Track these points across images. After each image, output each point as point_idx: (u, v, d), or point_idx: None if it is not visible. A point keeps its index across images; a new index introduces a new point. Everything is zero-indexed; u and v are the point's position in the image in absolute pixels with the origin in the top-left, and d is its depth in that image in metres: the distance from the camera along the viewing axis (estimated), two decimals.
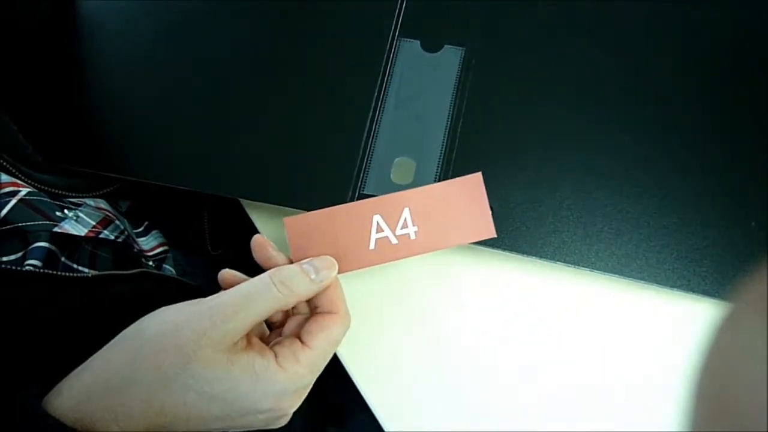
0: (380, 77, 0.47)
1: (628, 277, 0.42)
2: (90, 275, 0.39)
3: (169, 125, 0.47)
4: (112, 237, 0.45)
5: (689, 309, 0.43)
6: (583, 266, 0.42)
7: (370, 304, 0.45)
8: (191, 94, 0.48)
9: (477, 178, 0.40)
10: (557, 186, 0.43)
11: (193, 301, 0.35)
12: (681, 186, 0.43)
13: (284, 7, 0.49)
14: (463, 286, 0.45)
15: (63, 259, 0.42)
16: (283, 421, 0.36)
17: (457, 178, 0.40)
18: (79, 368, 0.34)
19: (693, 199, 0.43)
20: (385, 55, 0.47)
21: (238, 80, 0.47)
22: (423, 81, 0.46)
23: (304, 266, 0.37)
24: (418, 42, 0.47)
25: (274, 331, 0.40)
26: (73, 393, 0.33)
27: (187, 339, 0.33)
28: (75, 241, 0.43)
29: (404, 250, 0.39)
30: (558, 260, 0.42)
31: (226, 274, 0.39)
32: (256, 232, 0.49)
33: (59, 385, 0.33)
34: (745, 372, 0.16)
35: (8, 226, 0.39)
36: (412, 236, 0.39)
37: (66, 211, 0.43)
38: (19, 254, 0.39)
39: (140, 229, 0.52)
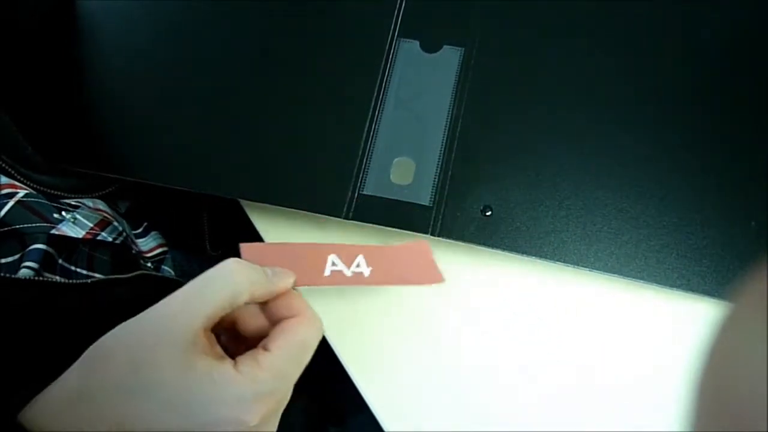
0: (380, 77, 0.47)
1: (628, 276, 0.42)
2: (89, 282, 0.38)
3: (169, 125, 0.47)
4: (110, 239, 0.45)
5: (689, 308, 0.43)
6: (582, 266, 0.42)
7: (370, 305, 0.45)
8: (191, 95, 0.48)
9: (422, 243, 0.42)
10: (557, 186, 0.43)
11: (140, 314, 0.32)
12: (681, 185, 0.43)
13: (284, 7, 0.49)
14: (463, 286, 0.45)
15: (60, 261, 0.41)
16: None
17: (407, 243, 0.42)
18: (53, 383, 0.32)
19: (693, 198, 0.43)
20: (385, 56, 0.47)
21: (238, 80, 0.47)
22: (422, 81, 0.46)
23: (265, 269, 0.35)
24: (418, 42, 0.47)
25: None
26: (40, 408, 0.31)
27: (138, 344, 0.31)
28: (73, 244, 0.42)
29: (357, 281, 0.40)
30: (558, 260, 0.42)
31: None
32: (256, 232, 0.49)
33: (34, 399, 0.31)
34: (745, 371, 0.16)
35: (5, 228, 0.39)
36: (366, 274, 0.40)
37: (63, 213, 0.43)
38: (17, 256, 0.39)
39: (139, 230, 0.52)
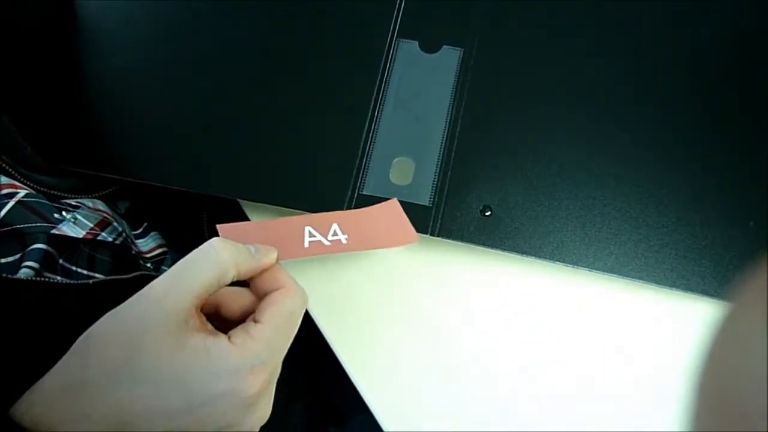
0: (379, 78, 0.47)
1: (627, 276, 0.42)
2: (90, 282, 0.38)
3: (168, 126, 0.47)
4: (110, 239, 0.45)
5: (688, 308, 0.43)
6: (582, 266, 0.42)
7: (370, 305, 0.45)
8: (190, 95, 0.48)
9: (393, 202, 0.43)
10: (556, 186, 0.43)
11: (133, 296, 0.33)
12: (680, 185, 0.43)
13: (283, 7, 0.49)
14: (463, 287, 0.45)
15: (61, 261, 0.41)
16: (253, 418, 0.33)
17: (376, 206, 0.42)
18: (44, 376, 0.32)
19: (692, 198, 0.43)
20: (384, 56, 0.47)
21: (238, 81, 0.47)
22: (422, 81, 0.46)
23: (248, 246, 0.36)
24: (417, 43, 0.47)
25: None
26: (34, 400, 0.31)
27: (130, 329, 0.31)
28: (73, 244, 0.42)
29: (337, 249, 0.40)
30: (557, 260, 0.42)
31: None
32: None
33: (27, 392, 0.31)
34: (745, 371, 0.16)
35: (6, 228, 0.39)
36: (344, 241, 0.40)
37: (64, 213, 0.43)
38: (17, 256, 0.39)
39: (139, 231, 0.52)
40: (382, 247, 0.42)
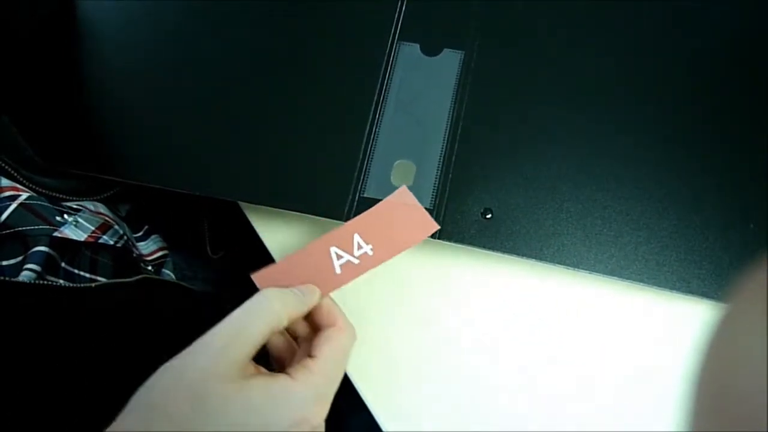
0: (380, 80, 0.47)
1: (628, 279, 0.42)
2: (93, 286, 0.39)
3: (169, 128, 0.47)
4: (112, 242, 0.45)
5: (688, 310, 0.43)
6: (582, 268, 0.42)
7: (371, 306, 0.45)
8: (191, 98, 0.48)
9: (402, 190, 0.43)
10: (557, 188, 0.43)
11: (181, 353, 0.34)
12: (680, 188, 0.43)
13: (284, 10, 0.49)
14: (464, 288, 0.45)
15: (63, 264, 0.42)
16: None
17: (387, 197, 0.43)
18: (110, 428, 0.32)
19: (692, 201, 0.43)
20: (385, 59, 0.47)
21: (239, 84, 0.48)
22: (423, 84, 0.47)
23: (293, 289, 0.38)
24: (418, 45, 0.48)
25: None
26: None
27: (193, 380, 0.32)
28: (75, 247, 0.43)
29: (367, 265, 0.41)
30: (558, 262, 0.42)
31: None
32: (256, 235, 0.49)
33: None
34: (744, 370, 0.16)
35: (8, 231, 0.39)
36: (370, 253, 0.41)
37: (65, 216, 0.43)
38: (19, 258, 0.39)
39: (140, 234, 0.52)
40: (408, 246, 0.41)
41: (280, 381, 0.34)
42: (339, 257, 0.41)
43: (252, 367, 0.34)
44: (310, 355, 0.36)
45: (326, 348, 0.36)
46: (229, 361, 0.32)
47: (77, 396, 0.39)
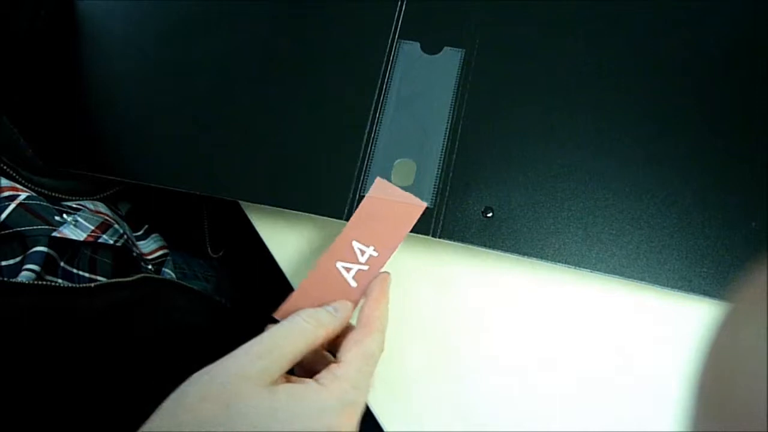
0: (380, 79, 0.47)
1: (629, 277, 0.42)
2: (92, 286, 0.39)
3: (169, 128, 0.47)
4: (111, 241, 0.45)
5: (690, 309, 0.43)
6: (583, 267, 0.42)
7: None
8: (191, 97, 0.48)
9: (377, 182, 0.43)
10: (558, 187, 0.43)
11: (222, 358, 0.35)
12: (682, 186, 0.43)
13: (285, 9, 0.49)
14: (463, 287, 0.45)
15: (62, 264, 0.41)
16: None
17: (366, 195, 0.43)
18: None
19: (694, 199, 0.43)
20: (385, 57, 0.47)
21: (239, 83, 0.47)
22: (423, 83, 0.46)
23: (326, 308, 0.39)
24: (418, 44, 0.47)
25: None
26: None
27: (225, 381, 0.33)
28: (74, 246, 0.43)
29: (377, 267, 0.41)
30: (559, 261, 0.42)
31: None
32: (256, 234, 0.49)
33: None
34: (746, 371, 0.16)
35: (7, 231, 0.39)
36: (375, 254, 0.41)
37: (65, 215, 0.43)
38: (18, 258, 0.39)
39: (140, 233, 0.52)
40: (406, 231, 0.42)
41: (306, 388, 0.34)
42: (348, 270, 0.41)
43: (282, 378, 0.35)
44: (336, 359, 0.36)
45: (352, 353, 0.36)
46: (261, 369, 0.33)
47: (77, 395, 0.39)
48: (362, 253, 0.41)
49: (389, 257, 0.41)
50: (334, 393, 0.34)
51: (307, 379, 0.35)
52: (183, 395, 0.33)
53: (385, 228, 0.42)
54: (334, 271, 0.41)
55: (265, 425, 0.32)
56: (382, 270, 0.41)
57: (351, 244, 0.41)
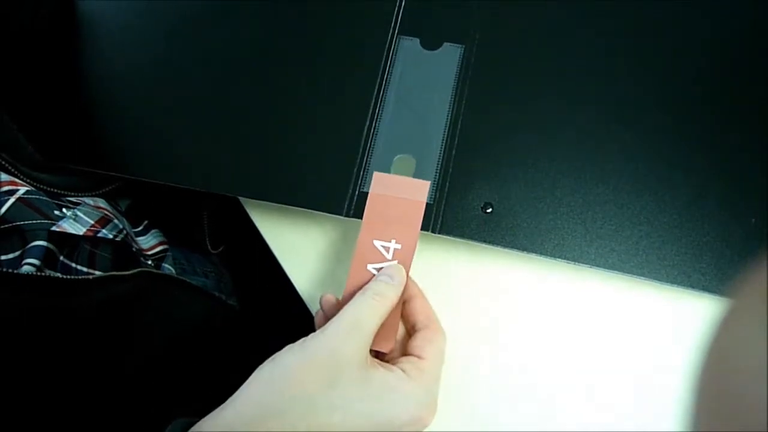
0: (380, 75, 0.46)
1: (629, 273, 0.42)
2: (91, 278, 0.39)
3: (168, 124, 0.47)
4: (111, 236, 0.45)
5: (689, 305, 0.43)
6: (583, 262, 0.42)
7: None
8: (190, 93, 0.47)
9: (376, 176, 0.44)
10: (557, 182, 0.43)
11: (306, 337, 0.36)
12: (681, 182, 0.43)
13: (284, 5, 0.49)
14: (462, 284, 0.45)
15: (62, 258, 0.41)
16: None
17: (369, 192, 0.43)
18: (218, 408, 0.34)
19: (693, 195, 0.42)
20: (385, 53, 0.47)
21: (238, 78, 0.47)
22: (423, 79, 0.46)
23: (380, 277, 0.40)
24: (418, 40, 0.47)
25: None
26: (215, 429, 0.33)
27: (324, 361, 0.34)
28: (74, 241, 0.43)
29: (406, 257, 0.41)
30: (558, 257, 0.42)
31: (329, 296, 0.41)
32: (256, 230, 0.49)
33: (198, 423, 0.34)
34: (746, 368, 0.16)
35: (6, 225, 0.39)
36: (399, 246, 0.42)
37: (64, 210, 0.43)
38: (17, 253, 0.39)
39: (139, 228, 0.52)
40: (421, 216, 0.42)
41: (397, 377, 0.36)
42: (379, 270, 0.41)
43: (371, 358, 0.36)
44: (415, 355, 0.38)
45: (430, 350, 0.38)
46: (354, 349, 0.35)
47: (75, 388, 0.39)
48: (387, 250, 0.42)
49: (415, 244, 0.42)
50: (422, 386, 0.36)
51: (393, 367, 0.37)
52: (282, 370, 0.35)
53: (399, 218, 0.42)
54: (368, 275, 0.41)
55: (360, 406, 0.34)
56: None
57: (373, 244, 0.42)
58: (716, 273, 0.41)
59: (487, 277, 0.45)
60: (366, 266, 0.41)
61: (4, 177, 0.41)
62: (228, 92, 0.47)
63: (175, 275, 0.49)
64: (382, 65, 0.47)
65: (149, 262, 0.49)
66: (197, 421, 0.34)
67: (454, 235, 0.43)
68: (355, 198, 0.44)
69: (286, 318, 0.48)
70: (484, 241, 0.43)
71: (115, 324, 0.41)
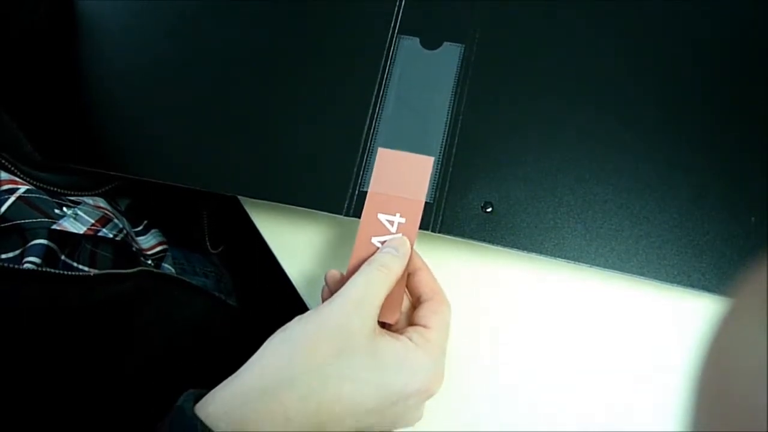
0: (380, 74, 0.47)
1: (628, 272, 0.42)
2: (92, 274, 0.39)
3: (168, 123, 0.47)
4: (111, 235, 0.45)
5: (689, 304, 0.43)
6: (583, 262, 0.42)
7: None
8: (190, 92, 0.48)
9: (381, 152, 0.44)
10: (557, 182, 0.43)
11: (314, 308, 0.37)
12: (681, 181, 0.43)
13: (284, 5, 0.49)
14: (462, 283, 0.45)
15: (63, 257, 0.42)
16: (421, 414, 0.38)
17: (374, 167, 0.44)
18: (230, 378, 0.35)
19: (693, 194, 0.43)
20: (385, 53, 0.47)
21: (238, 77, 0.47)
22: (423, 78, 0.46)
23: (385, 249, 0.40)
24: (418, 39, 0.47)
25: None
26: (226, 400, 0.34)
27: (333, 332, 0.35)
28: (75, 240, 0.43)
29: (410, 231, 0.42)
30: (558, 256, 0.42)
31: (333, 272, 0.41)
32: (255, 229, 0.49)
33: (210, 393, 0.34)
34: (745, 367, 0.16)
35: (7, 224, 0.39)
36: (402, 220, 0.42)
37: (65, 208, 0.43)
38: (18, 251, 0.39)
39: (139, 228, 0.52)
40: (425, 190, 0.43)
41: (404, 345, 0.36)
42: (384, 243, 0.42)
43: (378, 327, 0.37)
44: (420, 324, 0.39)
45: (435, 320, 0.39)
46: (362, 320, 0.35)
47: (74, 386, 0.39)
48: (391, 223, 0.42)
49: (419, 218, 0.42)
50: (429, 355, 0.36)
51: (400, 336, 0.37)
52: (293, 340, 0.35)
53: (403, 192, 0.43)
54: (373, 248, 0.42)
55: (369, 375, 0.35)
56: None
57: (377, 217, 0.42)
58: (716, 272, 0.41)
59: (487, 277, 0.45)
60: (370, 240, 0.42)
61: (4, 176, 0.41)
62: (228, 92, 0.47)
63: (176, 275, 0.49)
64: (382, 65, 0.47)
65: (149, 262, 0.49)
66: (207, 393, 0.35)
67: (454, 235, 0.43)
68: (355, 197, 0.44)
69: (286, 318, 0.48)
70: (484, 241, 0.43)
71: (115, 322, 0.41)
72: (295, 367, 0.34)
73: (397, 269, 0.39)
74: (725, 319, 0.17)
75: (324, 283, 0.42)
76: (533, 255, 0.42)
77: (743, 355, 0.16)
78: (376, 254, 0.40)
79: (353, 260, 0.41)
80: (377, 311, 0.37)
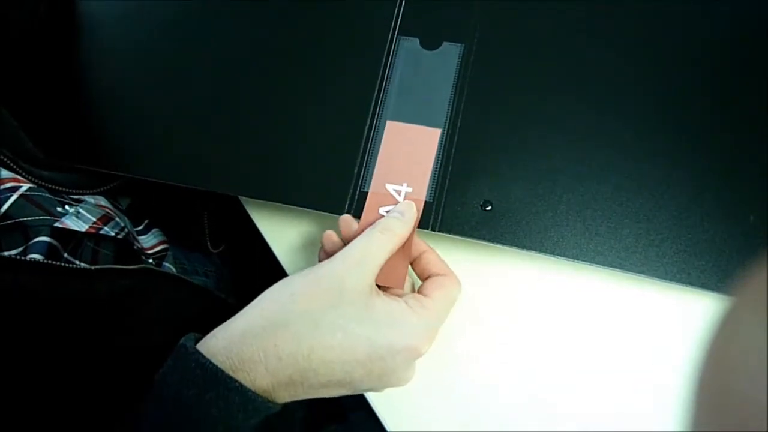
0: (380, 75, 0.47)
1: (628, 270, 0.42)
2: (93, 268, 0.39)
3: (170, 123, 0.47)
4: (113, 234, 0.45)
5: (688, 302, 0.43)
6: (582, 260, 0.42)
7: None
8: (191, 92, 0.48)
9: (390, 125, 0.46)
10: (557, 180, 0.43)
11: (316, 265, 0.39)
12: (680, 180, 0.43)
13: (284, 5, 0.49)
14: (463, 281, 0.45)
15: (65, 255, 0.42)
16: (410, 375, 0.40)
17: (383, 139, 0.45)
18: (229, 320, 0.38)
19: (692, 192, 0.43)
20: (385, 53, 0.47)
21: (239, 78, 0.48)
22: (422, 78, 0.46)
23: (391, 213, 0.42)
24: (418, 39, 0.47)
25: None
26: (226, 335, 0.37)
27: (331, 284, 0.37)
28: (77, 237, 0.43)
29: (418, 199, 0.43)
30: (557, 254, 0.42)
31: (330, 232, 0.43)
32: (256, 229, 0.49)
33: (211, 333, 0.38)
34: (745, 366, 0.16)
35: (9, 221, 0.39)
36: (410, 189, 0.44)
37: (67, 207, 0.43)
38: (20, 248, 0.39)
39: (140, 227, 0.52)
40: (432, 158, 0.44)
41: (399, 305, 0.38)
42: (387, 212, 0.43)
43: (375, 287, 0.39)
44: (423, 294, 0.40)
45: (438, 292, 0.40)
46: (359, 278, 0.37)
47: (73, 380, 0.39)
48: (398, 193, 0.43)
49: (426, 188, 0.43)
50: (421, 318, 0.38)
51: (397, 298, 0.39)
52: (291, 288, 0.38)
53: (411, 161, 0.44)
54: (379, 216, 0.42)
55: (362, 329, 0.36)
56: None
57: (385, 188, 0.43)
58: (715, 270, 0.41)
59: (486, 275, 0.46)
60: (378, 210, 0.43)
61: (6, 174, 0.41)
62: (228, 92, 0.47)
63: (177, 274, 0.49)
64: (382, 65, 0.47)
65: (150, 261, 0.49)
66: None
67: (454, 233, 0.43)
68: (356, 198, 0.44)
69: None
70: (484, 239, 0.43)
71: (116, 318, 0.41)
72: (291, 312, 0.36)
73: (401, 232, 0.40)
74: (725, 319, 0.17)
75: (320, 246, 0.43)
76: (533, 253, 0.43)
77: (743, 354, 0.16)
78: (381, 219, 0.41)
79: (359, 228, 0.42)
80: (376, 270, 0.38)
